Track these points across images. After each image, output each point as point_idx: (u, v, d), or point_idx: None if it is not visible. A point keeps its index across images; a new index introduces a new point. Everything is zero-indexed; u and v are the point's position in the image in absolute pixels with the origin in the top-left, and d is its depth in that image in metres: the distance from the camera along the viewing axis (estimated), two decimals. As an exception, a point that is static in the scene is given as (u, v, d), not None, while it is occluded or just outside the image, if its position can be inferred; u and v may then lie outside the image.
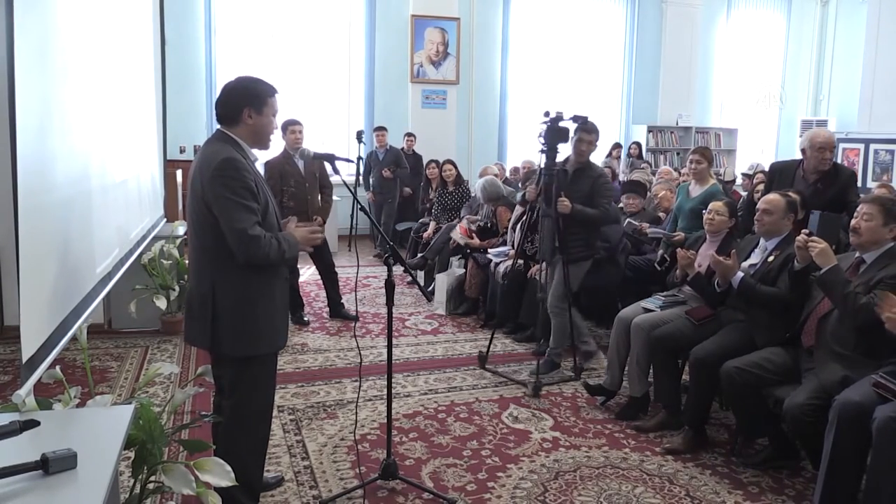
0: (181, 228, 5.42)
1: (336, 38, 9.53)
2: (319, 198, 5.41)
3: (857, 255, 3.09)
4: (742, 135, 11.76)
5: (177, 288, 4.91)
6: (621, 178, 8.76)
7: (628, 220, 5.29)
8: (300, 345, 4.96)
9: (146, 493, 2.24)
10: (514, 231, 5.46)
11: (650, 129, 11.11)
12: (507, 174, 8.27)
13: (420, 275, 6.53)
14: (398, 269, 3.89)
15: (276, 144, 3.15)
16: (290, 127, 5.25)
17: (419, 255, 6.67)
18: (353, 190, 3.02)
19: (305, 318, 5.50)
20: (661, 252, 4.53)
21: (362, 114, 9.71)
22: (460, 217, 6.64)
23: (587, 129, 4.26)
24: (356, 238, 8.03)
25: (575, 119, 4.22)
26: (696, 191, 4.79)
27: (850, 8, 11.28)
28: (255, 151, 2.61)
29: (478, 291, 5.71)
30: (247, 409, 2.59)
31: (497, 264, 5.41)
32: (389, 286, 2.89)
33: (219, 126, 2.56)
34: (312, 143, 6.10)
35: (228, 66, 8.80)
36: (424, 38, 9.50)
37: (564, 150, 4.26)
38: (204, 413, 2.79)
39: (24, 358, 2.31)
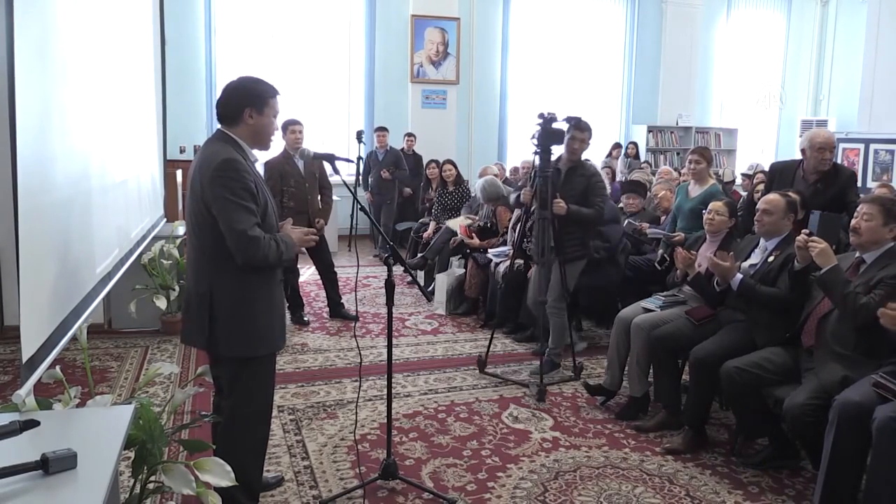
0: (181, 228, 5.42)
1: (336, 38, 9.53)
2: (319, 198, 5.41)
3: (857, 255, 3.09)
4: (742, 135, 11.76)
5: (177, 288, 4.91)
6: (619, 178, 8.75)
7: (628, 220, 5.29)
8: (300, 345, 4.96)
9: (146, 493, 2.24)
10: (515, 231, 5.46)
11: (650, 129, 11.11)
12: (507, 174, 8.26)
13: (420, 275, 6.53)
14: (398, 269, 3.90)
15: (276, 144, 3.15)
16: (291, 127, 5.25)
17: (419, 255, 6.67)
18: (353, 190, 3.02)
19: (305, 318, 5.50)
20: (661, 252, 4.53)
21: (362, 114, 9.71)
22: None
23: (580, 127, 4.27)
24: (356, 238, 8.03)
25: (568, 120, 4.22)
26: (695, 191, 4.78)
27: (850, 8, 11.28)
28: (256, 151, 2.61)
29: (478, 291, 5.71)
30: (245, 410, 2.59)
31: (497, 264, 5.41)
32: (389, 286, 2.89)
33: (219, 126, 2.56)
34: (312, 143, 6.10)
35: (228, 66, 8.80)
36: (424, 38, 9.50)
37: (556, 151, 4.25)
38: (204, 413, 2.79)
39: (24, 358, 2.31)
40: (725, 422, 3.73)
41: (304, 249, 2.96)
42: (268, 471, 3.03)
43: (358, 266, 3.64)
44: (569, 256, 4.28)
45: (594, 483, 3.10)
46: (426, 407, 3.91)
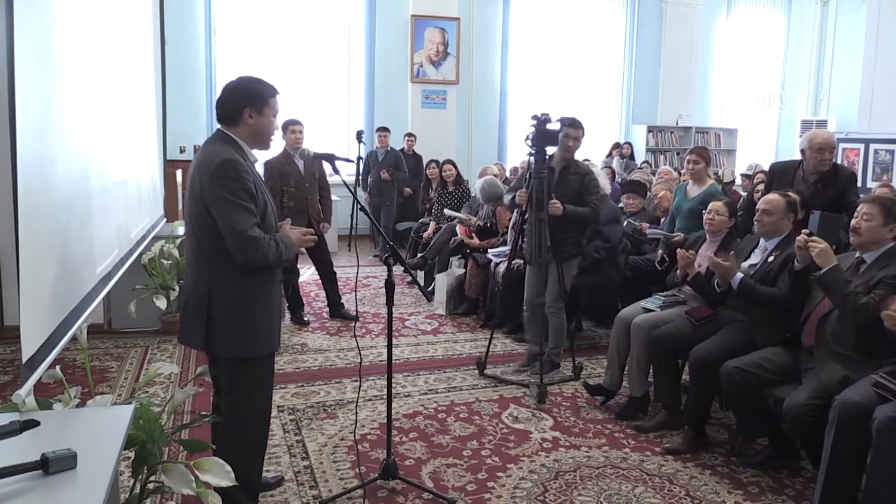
0: (181, 228, 5.42)
1: (336, 38, 9.53)
2: (319, 200, 5.41)
3: (857, 255, 3.09)
4: (742, 135, 11.76)
5: (177, 288, 4.91)
6: (617, 178, 8.74)
7: (628, 220, 5.29)
8: (300, 345, 4.96)
9: (146, 493, 2.24)
10: (515, 231, 5.45)
11: (650, 129, 11.11)
12: (507, 174, 8.26)
13: (420, 275, 6.54)
14: (398, 269, 3.90)
15: (276, 144, 3.15)
16: (291, 127, 5.25)
17: (419, 255, 6.68)
18: (353, 190, 3.03)
19: (305, 318, 5.50)
20: (660, 252, 4.53)
21: (362, 114, 9.71)
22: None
23: (573, 126, 4.27)
24: (356, 238, 8.03)
25: (562, 121, 4.22)
26: (694, 191, 4.78)
27: (850, 8, 11.29)
28: (255, 151, 2.61)
29: (478, 291, 5.71)
30: (244, 410, 2.59)
31: (497, 264, 5.42)
32: (389, 286, 2.89)
33: (219, 126, 2.56)
34: (312, 143, 6.10)
35: (228, 66, 8.80)
36: (424, 38, 9.50)
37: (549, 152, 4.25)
38: (204, 413, 2.78)
39: (24, 358, 2.31)
40: (725, 422, 3.73)
41: (303, 250, 2.96)
42: (268, 471, 3.03)
43: (358, 266, 3.64)
44: (565, 255, 4.28)
45: (594, 483, 3.10)
46: (426, 407, 3.91)
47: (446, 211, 6.71)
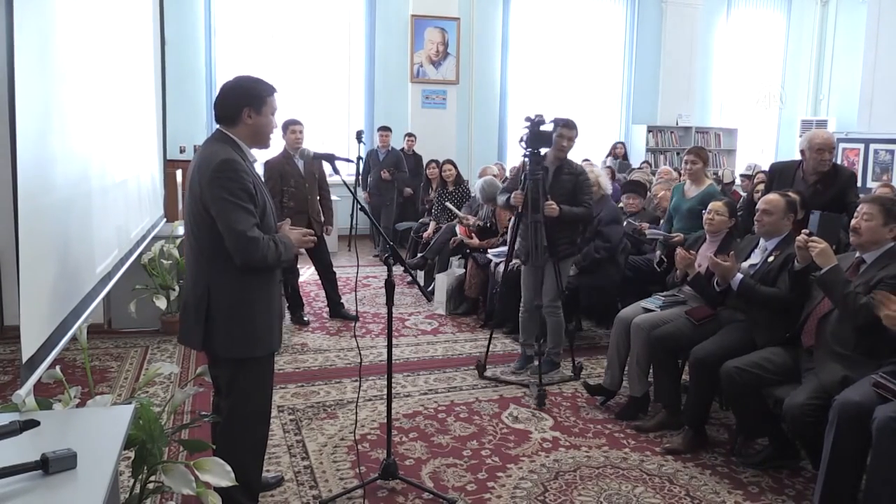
0: (181, 228, 5.41)
1: (336, 38, 9.53)
2: (319, 201, 5.41)
3: (857, 255, 3.09)
4: (742, 135, 11.75)
5: (177, 288, 4.91)
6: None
7: (628, 220, 5.29)
8: (300, 345, 4.96)
9: (146, 493, 2.24)
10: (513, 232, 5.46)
11: (650, 129, 11.10)
12: (507, 174, 8.25)
13: (420, 275, 6.54)
14: (398, 269, 3.90)
15: (276, 144, 3.15)
16: (291, 127, 5.25)
17: (419, 255, 6.68)
18: (353, 190, 3.03)
19: (305, 318, 5.50)
20: (658, 253, 4.53)
21: (362, 114, 9.71)
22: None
23: (568, 126, 4.28)
24: (356, 238, 8.03)
25: (556, 121, 4.23)
26: (692, 191, 4.77)
27: (850, 8, 11.28)
28: (255, 151, 2.61)
29: (478, 291, 5.71)
30: (244, 410, 2.59)
31: (497, 264, 5.42)
32: (389, 286, 2.89)
33: (218, 126, 2.56)
34: (312, 143, 6.10)
35: (228, 66, 8.79)
36: (424, 38, 9.50)
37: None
38: (204, 413, 2.78)
39: (24, 358, 2.31)
40: (725, 422, 3.73)
41: (302, 250, 2.96)
42: (268, 471, 3.03)
43: (358, 266, 3.65)
44: (561, 255, 4.29)
45: (594, 483, 3.10)
46: (426, 407, 3.91)
47: (448, 204, 6.71)
